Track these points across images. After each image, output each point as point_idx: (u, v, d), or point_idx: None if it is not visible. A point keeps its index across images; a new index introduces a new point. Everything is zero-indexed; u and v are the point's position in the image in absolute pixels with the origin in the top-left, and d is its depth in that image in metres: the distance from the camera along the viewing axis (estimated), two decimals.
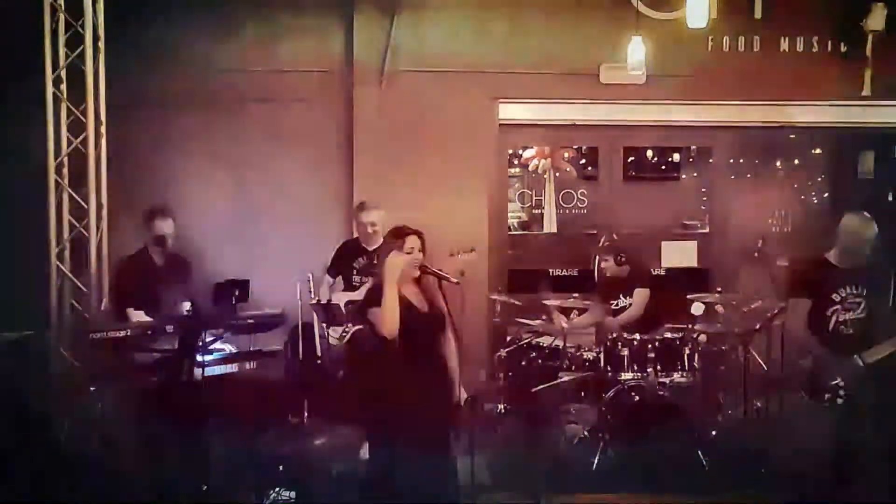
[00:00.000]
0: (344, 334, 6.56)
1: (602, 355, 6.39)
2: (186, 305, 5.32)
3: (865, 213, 5.23)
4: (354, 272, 6.71)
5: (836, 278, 5.10)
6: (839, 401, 5.00)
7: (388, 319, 4.44)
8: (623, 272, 6.89)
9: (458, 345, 4.77)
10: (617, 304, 6.93)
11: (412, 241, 4.62)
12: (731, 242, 8.28)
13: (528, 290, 7.54)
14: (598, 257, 7.05)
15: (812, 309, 5.12)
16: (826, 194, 8.65)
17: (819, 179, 8.71)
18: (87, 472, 5.47)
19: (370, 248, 6.63)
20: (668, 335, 6.45)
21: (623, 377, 6.31)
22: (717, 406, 6.74)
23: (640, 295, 6.85)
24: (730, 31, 7.86)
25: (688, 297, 6.77)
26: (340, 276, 6.85)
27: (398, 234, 4.66)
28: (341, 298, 6.68)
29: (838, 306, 5.09)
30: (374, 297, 4.52)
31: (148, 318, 5.50)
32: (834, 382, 5.01)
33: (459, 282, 4.98)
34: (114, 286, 6.30)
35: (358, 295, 6.41)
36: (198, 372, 5.07)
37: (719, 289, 7.29)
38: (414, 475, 4.48)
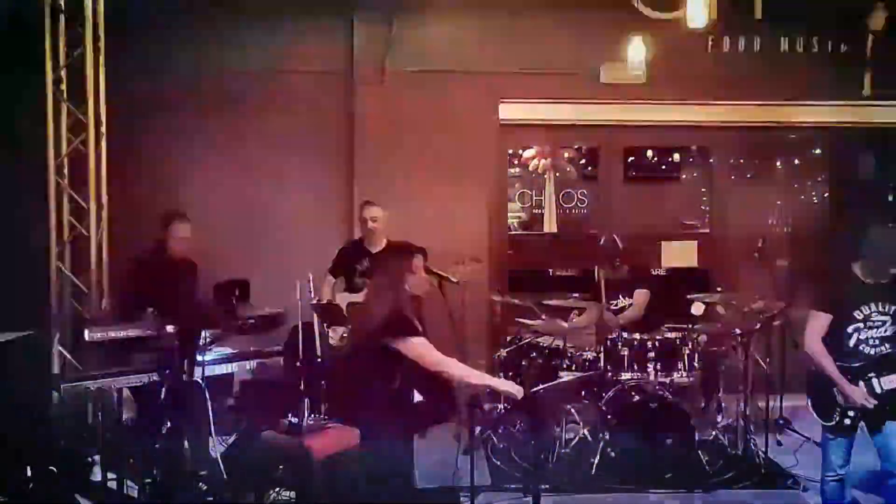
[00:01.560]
0: (344, 335, 6.56)
1: (602, 355, 6.39)
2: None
3: (892, 225, 5.02)
4: (357, 274, 6.72)
5: (861, 294, 4.77)
6: (847, 421, 4.74)
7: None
8: (623, 273, 6.90)
9: (461, 346, 4.78)
10: (616, 304, 6.93)
11: (419, 261, 4.68)
12: (731, 242, 8.28)
13: (527, 291, 7.53)
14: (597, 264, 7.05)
15: (831, 324, 4.77)
16: (826, 194, 8.65)
17: (819, 179, 8.71)
18: (87, 472, 5.48)
19: (373, 250, 6.64)
20: (668, 335, 6.45)
21: (623, 377, 6.31)
22: (717, 406, 6.74)
23: (641, 295, 6.85)
24: (730, 31, 7.86)
25: (688, 297, 6.78)
26: (342, 277, 6.85)
27: (409, 256, 4.70)
28: (343, 300, 6.67)
29: (860, 324, 4.76)
30: (404, 328, 4.47)
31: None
32: (845, 403, 4.73)
33: (459, 281, 5.00)
34: (124, 284, 6.27)
35: (360, 297, 6.42)
36: (198, 372, 5.07)
37: (719, 289, 7.30)
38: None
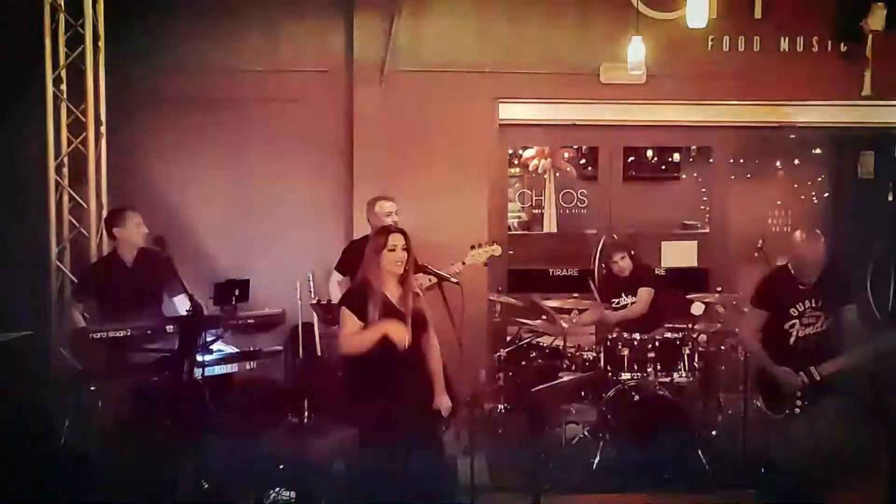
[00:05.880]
0: None
1: (602, 355, 6.39)
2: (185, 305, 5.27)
3: (816, 230, 5.35)
4: None
5: (796, 292, 5.28)
6: (796, 411, 5.16)
7: (355, 347, 4.54)
8: (626, 271, 6.91)
9: (461, 346, 4.77)
10: (618, 303, 6.94)
11: (396, 239, 4.61)
12: (731, 242, 8.29)
13: (527, 291, 7.54)
14: (600, 256, 7.05)
15: (770, 321, 5.33)
16: (826, 194, 8.65)
17: (819, 179, 8.71)
18: (87, 472, 5.47)
19: None
20: (668, 335, 6.45)
21: (623, 377, 6.31)
22: (717, 406, 6.74)
23: (645, 293, 6.86)
24: (730, 31, 7.86)
25: (688, 297, 6.78)
26: (348, 276, 6.82)
27: (383, 232, 4.69)
28: None
29: (796, 321, 5.27)
30: (352, 299, 4.59)
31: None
32: (791, 394, 5.18)
33: (459, 282, 4.99)
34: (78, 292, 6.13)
35: None
36: (198, 372, 5.06)
37: (719, 289, 7.30)
38: (397, 475, 4.48)
